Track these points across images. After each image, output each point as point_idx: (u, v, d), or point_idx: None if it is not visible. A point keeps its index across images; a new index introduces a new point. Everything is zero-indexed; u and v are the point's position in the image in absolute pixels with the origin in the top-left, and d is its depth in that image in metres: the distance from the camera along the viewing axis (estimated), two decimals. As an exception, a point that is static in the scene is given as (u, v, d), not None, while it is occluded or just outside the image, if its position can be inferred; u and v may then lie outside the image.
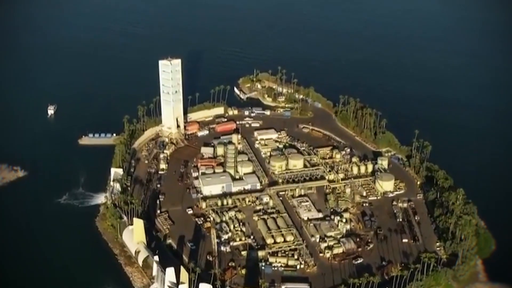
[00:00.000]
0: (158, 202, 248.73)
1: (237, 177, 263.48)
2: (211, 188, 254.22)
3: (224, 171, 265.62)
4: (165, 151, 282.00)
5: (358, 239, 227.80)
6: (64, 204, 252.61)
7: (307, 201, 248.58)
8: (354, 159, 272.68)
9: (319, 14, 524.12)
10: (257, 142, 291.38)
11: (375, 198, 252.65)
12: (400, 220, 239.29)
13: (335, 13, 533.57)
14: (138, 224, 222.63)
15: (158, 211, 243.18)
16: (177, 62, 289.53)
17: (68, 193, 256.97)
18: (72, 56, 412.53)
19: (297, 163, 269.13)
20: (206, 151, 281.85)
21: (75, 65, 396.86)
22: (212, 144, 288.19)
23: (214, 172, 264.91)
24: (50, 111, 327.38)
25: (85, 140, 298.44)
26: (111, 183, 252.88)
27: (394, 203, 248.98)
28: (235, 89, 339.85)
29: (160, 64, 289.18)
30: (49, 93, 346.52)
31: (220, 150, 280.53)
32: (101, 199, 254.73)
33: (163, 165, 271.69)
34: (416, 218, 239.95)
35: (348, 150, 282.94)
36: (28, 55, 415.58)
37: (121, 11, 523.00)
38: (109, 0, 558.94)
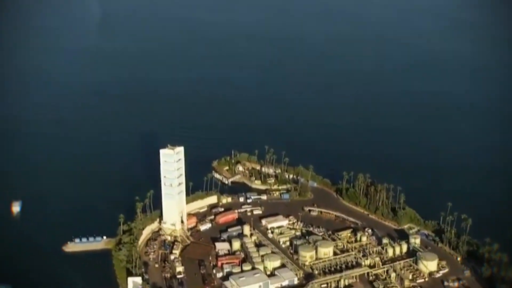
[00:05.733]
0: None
1: (268, 273, 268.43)
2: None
3: (253, 267, 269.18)
4: (173, 252, 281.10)
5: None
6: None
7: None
8: (385, 240, 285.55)
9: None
10: (269, 231, 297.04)
11: (423, 280, 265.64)
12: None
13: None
14: None
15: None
16: (180, 150, 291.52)
17: None
18: (35, 137, 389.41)
19: (327, 251, 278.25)
20: (222, 247, 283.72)
21: (39, 150, 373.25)
22: (223, 238, 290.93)
23: (242, 271, 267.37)
24: (16, 208, 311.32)
25: (72, 247, 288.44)
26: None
27: (446, 283, 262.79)
28: (214, 173, 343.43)
29: (162, 153, 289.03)
30: (10, 186, 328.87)
31: (236, 245, 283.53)
32: None
33: (179, 268, 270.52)
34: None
35: (370, 230, 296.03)
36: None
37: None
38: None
